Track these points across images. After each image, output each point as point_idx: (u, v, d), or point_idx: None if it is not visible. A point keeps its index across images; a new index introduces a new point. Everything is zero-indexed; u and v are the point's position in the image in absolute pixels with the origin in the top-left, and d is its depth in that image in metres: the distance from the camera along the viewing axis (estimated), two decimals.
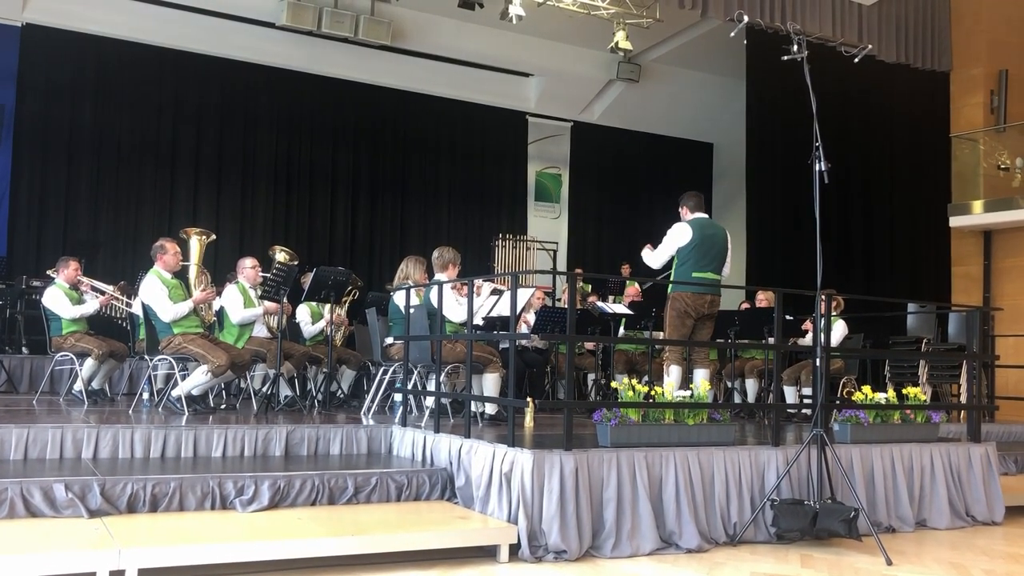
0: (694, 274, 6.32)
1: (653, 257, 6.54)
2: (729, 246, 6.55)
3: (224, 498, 4.58)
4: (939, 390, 9.53)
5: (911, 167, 11.85)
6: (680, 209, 6.65)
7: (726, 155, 15.92)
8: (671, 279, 6.50)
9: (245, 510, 4.55)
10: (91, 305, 7.52)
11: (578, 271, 13.00)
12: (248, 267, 7.63)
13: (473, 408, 6.32)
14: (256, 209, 12.89)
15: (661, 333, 8.51)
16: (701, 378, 6.39)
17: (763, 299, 8.84)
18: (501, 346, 7.05)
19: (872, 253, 12.16)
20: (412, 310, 6.20)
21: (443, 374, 6.17)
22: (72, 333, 7.34)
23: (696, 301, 6.35)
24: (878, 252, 12.10)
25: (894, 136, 11.98)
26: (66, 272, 7.52)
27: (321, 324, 8.18)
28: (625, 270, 12.46)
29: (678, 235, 6.42)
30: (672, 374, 6.40)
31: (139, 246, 11.54)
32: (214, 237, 7.75)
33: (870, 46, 6.63)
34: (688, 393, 5.28)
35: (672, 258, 6.50)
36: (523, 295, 7.67)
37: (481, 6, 11.13)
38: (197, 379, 6.53)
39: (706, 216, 6.59)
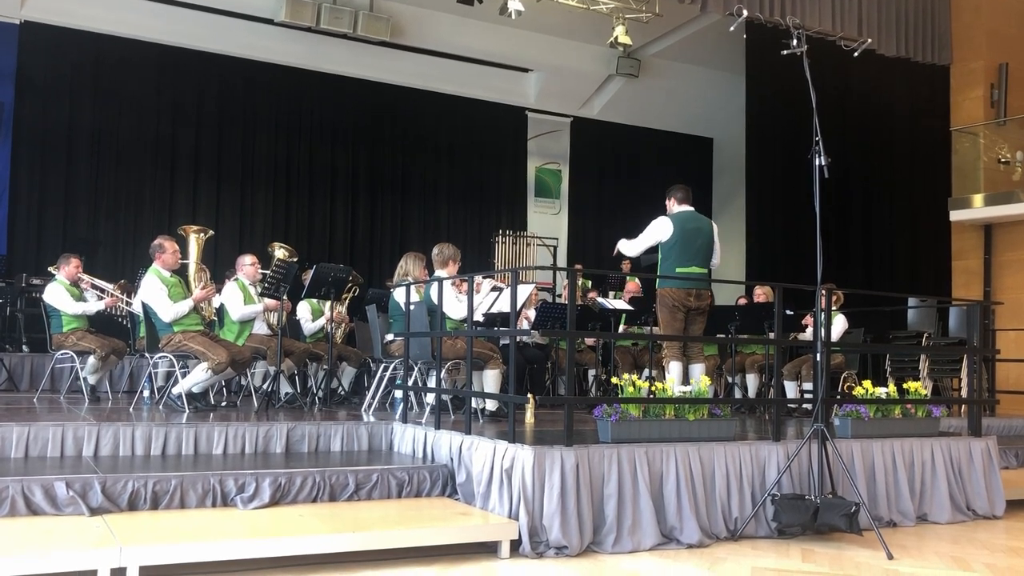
0: (678, 269, 6.31)
1: (630, 247, 6.54)
2: (716, 238, 6.54)
3: (225, 495, 4.58)
4: (940, 384, 9.53)
5: (911, 161, 11.84)
6: (667, 200, 6.66)
7: (726, 150, 15.90)
8: (657, 275, 6.51)
9: (246, 507, 4.55)
10: (94, 305, 7.52)
11: (578, 267, 12.99)
12: (248, 264, 7.63)
13: (474, 404, 6.32)
14: (255, 206, 12.88)
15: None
16: (699, 374, 6.39)
17: (760, 294, 8.84)
18: (501, 342, 7.05)
19: (872, 247, 12.16)
20: (412, 307, 6.19)
21: (443, 370, 6.17)
22: (73, 331, 7.34)
23: (681, 295, 6.36)
24: (878, 246, 12.10)
25: (894, 130, 11.96)
26: (67, 269, 7.52)
27: (321, 321, 8.18)
28: (626, 266, 12.44)
29: (658, 230, 6.42)
30: (672, 370, 6.39)
31: (139, 243, 11.54)
32: (212, 234, 7.75)
33: (869, 40, 6.63)
34: (689, 389, 5.28)
35: (657, 251, 6.49)
36: (523, 291, 7.66)
37: (480, 1, 11.11)
38: (197, 376, 6.53)
39: (691, 209, 6.54)
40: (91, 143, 11.89)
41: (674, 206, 6.57)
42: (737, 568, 4.40)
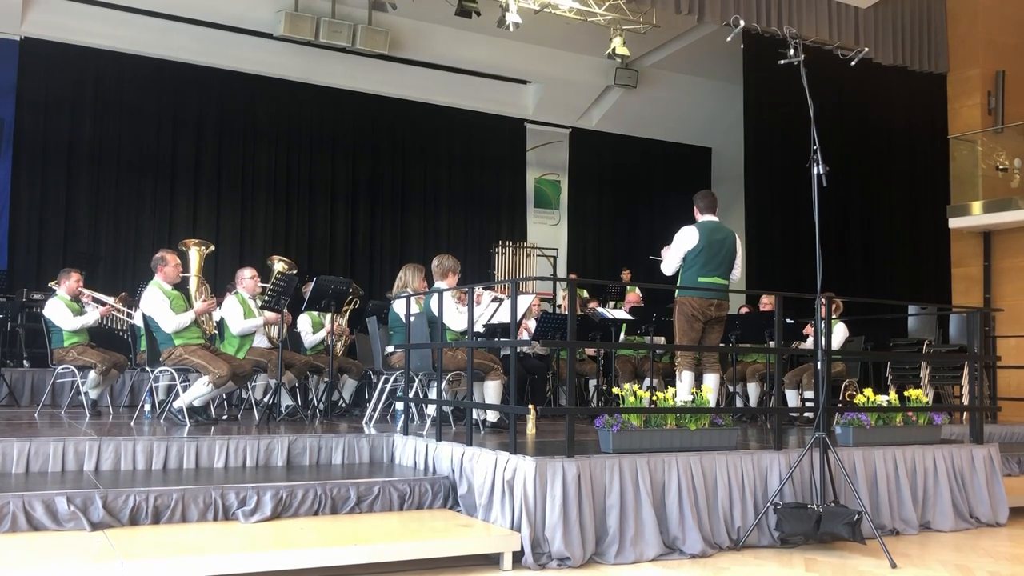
0: (700, 279, 6.29)
1: (664, 264, 6.50)
2: (739, 250, 6.52)
3: (226, 509, 4.58)
4: (941, 392, 9.53)
5: (910, 169, 11.87)
6: (694, 209, 6.60)
7: (725, 159, 15.93)
8: (678, 283, 6.48)
9: (248, 521, 4.54)
10: (92, 315, 7.51)
11: (572, 276, 12.99)
12: (247, 277, 7.64)
13: (475, 416, 6.31)
14: (255, 219, 12.90)
15: (662, 338, 8.52)
16: (713, 383, 6.37)
17: (767, 303, 8.84)
18: (502, 353, 7.05)
19: (872, 255, 12.17)
20: (412, 318, 6.20)
21: (444, 382, 6.16)
22: (74, 346, 7.34)
23: (702, 304, 6.33)
24: (878, 254, 12.11)
25: (892, 138, 11.99)
26: (68, 284, 7.53)
27: (322, 333, 8.19)
28: (625, 275, 12.46)
29: (685, 239, 6.37)
30: (684, 380, 6.37)
31: (139, 258, 11.56)
32: (213, 248, 7.76)
33: (867, 49, 6.63)
34: (690, 398, 5.28)
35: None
36: (523, 302, 7.66)
37: (478, 14, 11.16)
38: (198, 390, 6.53)
39: (715, 219, 6.52)
40: (91, 158, 11.92)
41: (699, 215, 6.52)
42: None
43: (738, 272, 6.54)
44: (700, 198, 6.58)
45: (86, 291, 7.70)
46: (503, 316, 6.66)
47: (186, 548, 4.01)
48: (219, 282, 9.90)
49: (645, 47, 13.36)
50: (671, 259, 6.45)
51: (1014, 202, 10.88)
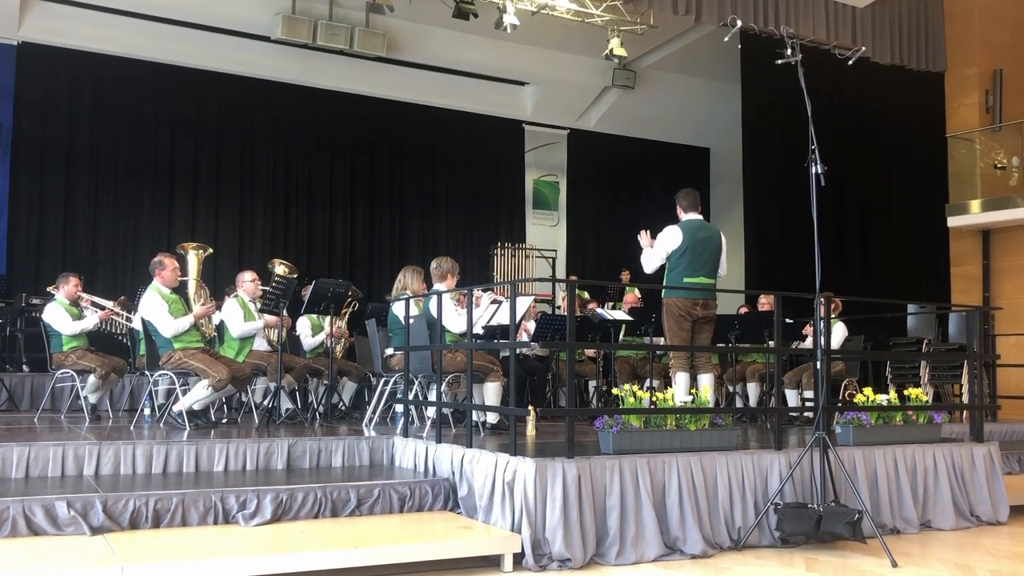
0: (685, 279, 6.26)
1: (646, 262, 6.48)
2: (723, 247, 6.47)
3: (227, 513, 4.58)
4: (941, 391, 9.52)
5: (908, 168, 11.87)
6: (676, 208, 6.56)
7: (723, 159, 15.94)
8: (664, 284, 6.46)
9: (248, 524, 4.54)
10: (91, 320, 7.53)
11: (572, 277, 13.00)
12: (248, 281, 7.64)
13: (475, 417, 6.31)
14: (254, 222, 12.90)
15: (662, 339, 8.52)
16: (706, 382, 6.36)
17: (765, 303, 8.84)
18: (502, 355, 7.05)
19: (871, 255, 12.17)
20: (411, 320, 6.20)
21: (444, 384, 6.16)
22: (73, 350, 7.34)
23: (687, 304, 6.30)
24: (877, 253, 12.11)
25: (890, 137, 11.99)
26: (66, 288, 7.53)
27: (321, 336, 8.19)
28: (624, 276, 12.45)
29: (668, 239, 6.32)
30: (679, 381, 6.36)
31: (138, 261, 11.54)
32: (211, 251, 7.76)
33: (864, 48, 6.64)
34: (688, 399, 5.28)
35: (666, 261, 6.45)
36: (523, 303, 7.66)
37: (475, 16, 11.16)
38: (198, 394, 6.53)
39: (699, 218, 6.47)
40: (90, 161, 11.91)
41: (681, 214, 6.48)
42: None
43: (723, 270, 6.48)
44: (682, 196, 6.52)
45: (85, 295, 7.70)
46: (502, 318, 6.66)
47: (186, 552, 4.00)
48: (218, 285, 9.89)
49: (643, 48, 13.36)
50: (652, 259, 6.38)
51: (1012, 200, 10.89)
